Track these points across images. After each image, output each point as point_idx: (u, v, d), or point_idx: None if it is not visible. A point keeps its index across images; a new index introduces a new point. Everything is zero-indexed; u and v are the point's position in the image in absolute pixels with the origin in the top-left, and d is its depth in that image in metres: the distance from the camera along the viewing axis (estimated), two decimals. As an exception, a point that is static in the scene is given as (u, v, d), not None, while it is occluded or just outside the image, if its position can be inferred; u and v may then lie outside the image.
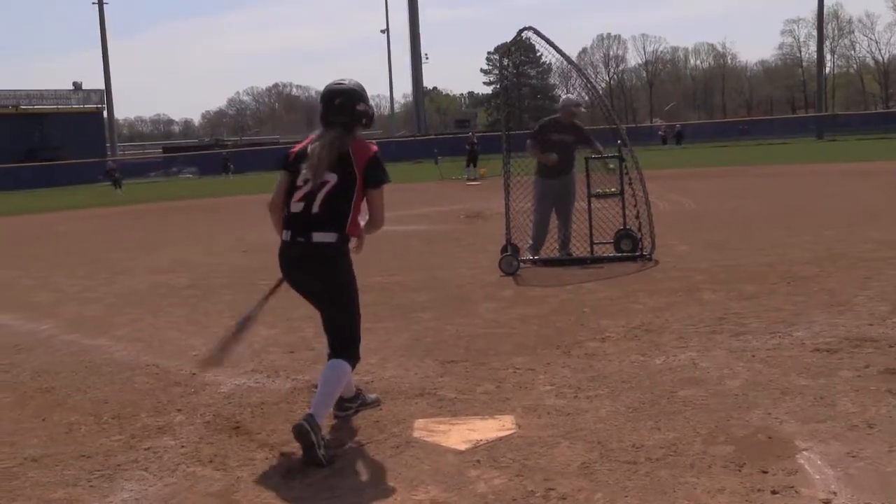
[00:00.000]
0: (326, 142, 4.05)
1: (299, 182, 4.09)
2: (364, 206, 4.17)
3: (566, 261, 9.33)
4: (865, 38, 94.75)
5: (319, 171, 4.01)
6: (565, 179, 9.47)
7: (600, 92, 10.60)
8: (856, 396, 4.27)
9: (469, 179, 30.60)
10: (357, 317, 4.24)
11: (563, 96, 10.56)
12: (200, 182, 47.91)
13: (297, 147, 4.24)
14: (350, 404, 4.51)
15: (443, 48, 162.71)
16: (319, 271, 4.11)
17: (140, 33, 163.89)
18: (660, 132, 63.24)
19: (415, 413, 4.49)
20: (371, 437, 4.17)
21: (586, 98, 10.42)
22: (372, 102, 4.33)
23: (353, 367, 4.21)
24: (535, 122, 10.01)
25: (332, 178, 4.04)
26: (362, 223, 4.20)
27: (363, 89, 4.23)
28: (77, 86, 66.14)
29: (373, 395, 4.71)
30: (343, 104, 4.12)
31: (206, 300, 8.42)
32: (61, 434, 4.47)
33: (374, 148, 4.19)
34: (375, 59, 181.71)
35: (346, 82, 4.21)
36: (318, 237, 4.04)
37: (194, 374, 5.54)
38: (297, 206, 4.09)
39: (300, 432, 3.78)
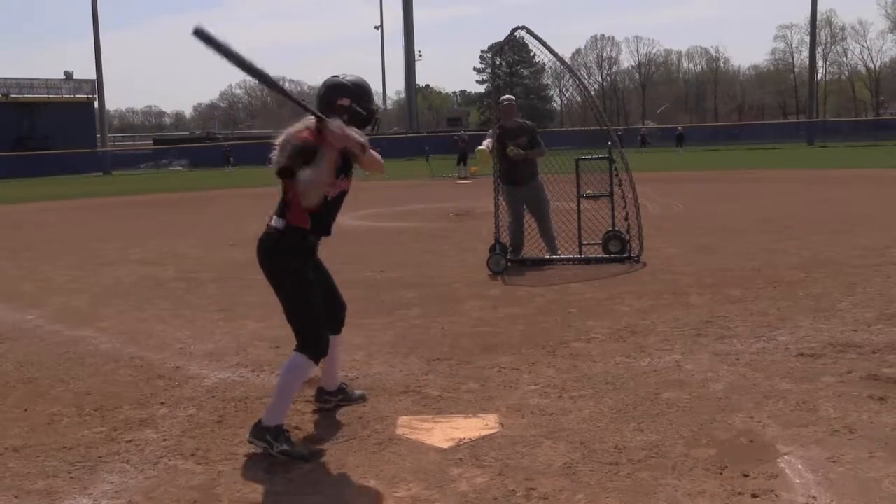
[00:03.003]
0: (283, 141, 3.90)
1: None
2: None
3: (554, 261, 9.33)
4: (858, 46, 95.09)
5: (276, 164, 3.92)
6: (532, 186, 9.31)
7: (592, 93, 10.53)
8: (838, 402, 4.29)
9: (459, 177, 30.58)
10: (303, 307, 4.03)
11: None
12: (192, 175, 47.75)
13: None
14: (331, 398, 4.51)
15: (436, 46, 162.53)
16: (259, 257, 4.09)
17: (133, 24, 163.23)
18: (641, 133, 62.98)
19: (399, 410, 4.48)
20: (354, 433, 4.16)
21: (578, 98, 10.38)
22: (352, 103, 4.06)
23: (315, 360, 4.02)
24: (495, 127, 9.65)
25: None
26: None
27: (356, 85, 3.99)
28: (68, 75, 65.67)
29: (358, 392, 4.70)
30: (323, 95, 3.98)
31: (192, 293, 8.39)
32: (43, 425, 4.45)
33: (306, 134, 3.83)
34: (369, 56, 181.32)
35: (340, 76, 4.02)
36: (272, 222, 3.98)
37: (178, 367, 5.52)
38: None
39: (250, 443, 3.90)
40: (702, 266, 8.79)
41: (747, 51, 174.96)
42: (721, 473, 3.47)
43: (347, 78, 4.02)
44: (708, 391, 4.58)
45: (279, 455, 3.81)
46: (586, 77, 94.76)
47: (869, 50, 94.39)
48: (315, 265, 4.18)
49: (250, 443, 3.92)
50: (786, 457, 3.61)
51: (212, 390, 4.98)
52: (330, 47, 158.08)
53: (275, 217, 3.97)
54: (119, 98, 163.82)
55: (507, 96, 9.61)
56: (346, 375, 5.08)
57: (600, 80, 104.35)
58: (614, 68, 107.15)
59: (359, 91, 4.00)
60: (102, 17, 59.60)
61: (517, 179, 9.24)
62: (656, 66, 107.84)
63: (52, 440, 4.20)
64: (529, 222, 9.53)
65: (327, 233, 4.07)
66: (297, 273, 3.99)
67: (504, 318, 6.69)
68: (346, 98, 3.95)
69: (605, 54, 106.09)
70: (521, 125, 9.35)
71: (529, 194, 9.32)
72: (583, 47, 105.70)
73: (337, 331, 4.32)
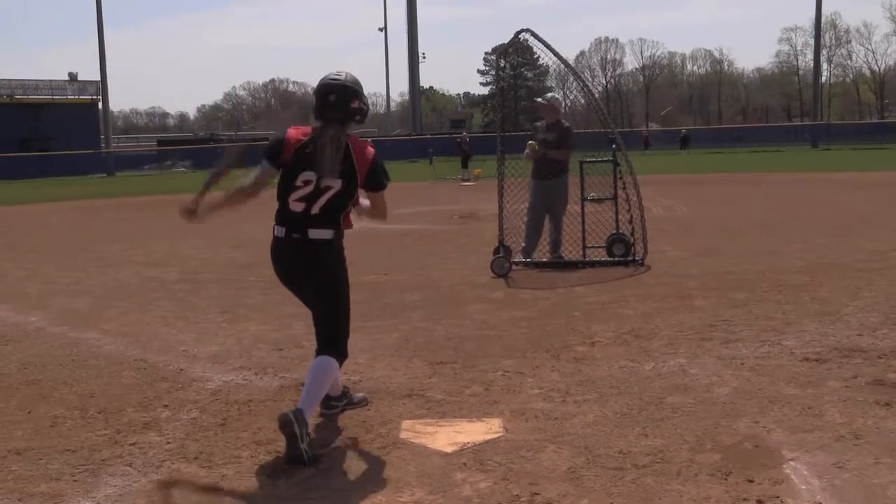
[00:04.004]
0: (330, 151, 3.98)
1: (298, 183, 4.04)
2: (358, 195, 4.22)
3: (558, 264, 9.31)
4: (862, 48, 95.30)
5: (329, 175, 4.00)
6: (555, 182, 9.31)
7: (596, 95, 10.55)
8: (843, 407, 4.27)
9: (462, 180, 30.55)
10: (347, 312, 4.24)
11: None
12: (195, 176, 47.73)
13: (291, 138, 4.10)
14: (336, 403, 4.50)
15: (440, 47, 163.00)
16: (315, 264, 4.10)
17: (137, 25, 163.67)
18: (643, 135, 62.84)
19: (402, 414, 4.47)
20: (358, 437, 4.15)
21: (582, 100, 10.44)
22: (369, 101, 4.29)
23: (341, 363, 4.20)
24: (530, 124, 10.01)
25: (336, 185, 4.03)
26: (355, 211, 4.27)
27: (359, 84, 4.14)
28: (73, 77, 65.73)
29: (360, 395, 4.69)
30: (337, 101, 4.06)
31: (195, 295, 8.39)
32: (46, 427, 4.44)
33: (373, 150, 4.16)
34: (373, 57, 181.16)
35: (343, 77, 4.11)
36: (315, 234, 4.06)
37: (182, 369, 5.52)
38: (296, 206, 4.06)
39: (284, 423, 3.75)
40: (706, 269, 8.77)
41: (751, 53, 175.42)
42: (726, 479, 3.45)
43: (349, 77, 4.14)
44: (713, 396, 4.56)
45: (302, 448, 3.74)
46: (590, 79, 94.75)
47: (874, 52, 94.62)
48: None
49: (289, 422, 3.74)
50: (791, 462, 3.59)
51: (215, 393, 4.97)
52: (333, 49, 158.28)
53: (319, 230, 4.05)
54: (123, 99, 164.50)
55: (551, 95, 9.97)
56: (349, 379, 5.07)
57: (604, 82, 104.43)
58: (618, 70, 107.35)
59: (361, 88, 4.15)
60: (106, 17, 59.33)
61: (535, 173, 9.37)
62: (660, 68, 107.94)
63: (55, 443, 4.19)
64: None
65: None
66: (346, 274, 4.24)
67: (508, 322, 6.68)
68: (357, 100, 4.09)
69: (608, 56, 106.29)
70: (555, 123, 9.38)
71: (547, 191, 9.32)
72: (587, 49, 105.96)
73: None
